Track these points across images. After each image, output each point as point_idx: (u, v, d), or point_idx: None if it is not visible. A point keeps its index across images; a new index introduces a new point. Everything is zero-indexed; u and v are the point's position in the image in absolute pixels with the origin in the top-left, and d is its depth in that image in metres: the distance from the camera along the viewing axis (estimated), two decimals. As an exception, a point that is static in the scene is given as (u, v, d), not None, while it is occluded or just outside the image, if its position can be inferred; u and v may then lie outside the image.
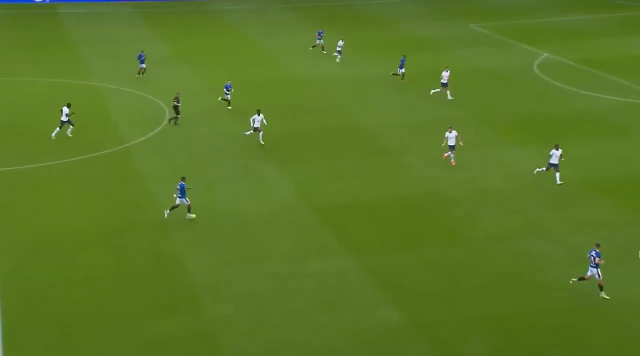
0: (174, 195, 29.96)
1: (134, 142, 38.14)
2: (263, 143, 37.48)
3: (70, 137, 38.14)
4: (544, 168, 33.60)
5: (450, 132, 35.20)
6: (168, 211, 30.03)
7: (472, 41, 60.13)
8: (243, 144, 37.99)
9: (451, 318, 24.00)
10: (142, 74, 48.76)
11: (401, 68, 47.87)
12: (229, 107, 42.88)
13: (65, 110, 38.07)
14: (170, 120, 40.68)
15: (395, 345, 22.77)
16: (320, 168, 35.47)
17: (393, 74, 48.70)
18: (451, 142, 35.20)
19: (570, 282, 25.39)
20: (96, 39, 59.83)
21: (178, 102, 40.37)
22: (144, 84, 47.64)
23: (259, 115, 37.75)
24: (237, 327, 23.55)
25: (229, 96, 43.06)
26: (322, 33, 56.74)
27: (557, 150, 33.09)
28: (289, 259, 27.49)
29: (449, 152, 35.31)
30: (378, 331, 23.32)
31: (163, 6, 75.09)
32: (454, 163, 35.09)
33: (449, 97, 44.56)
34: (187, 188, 30.07)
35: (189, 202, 29.89)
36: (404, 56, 48.69)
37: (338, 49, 54.16)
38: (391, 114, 42.84)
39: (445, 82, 44.72)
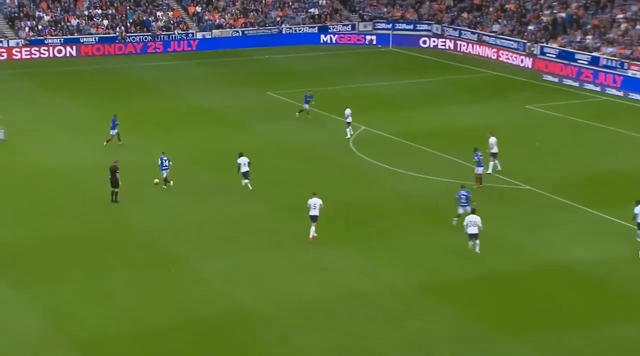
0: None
1: None
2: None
3: None
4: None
5: None
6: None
7: (273, 113, 60.08)
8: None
9: None
10: None
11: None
12: None
13: None
14: (114, 197, 41.83)
15: None
16: (81, 288, 33.01)
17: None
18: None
19: None
20: None
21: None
22: None
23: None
24: None
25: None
26: (311, 97, 57.64)
27: None
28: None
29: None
30: None
31: None
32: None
33: (499, 168, 46.77)
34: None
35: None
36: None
37: (347, 120, 53.97)
38: (180, 211, 41.18)
39: (495, 151, 46.52)
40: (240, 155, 44.35)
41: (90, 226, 39.01)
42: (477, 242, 35.78)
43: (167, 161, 44.59)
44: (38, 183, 45.07)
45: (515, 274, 34.57)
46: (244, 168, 44.18)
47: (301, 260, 35.58)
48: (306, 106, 58.10)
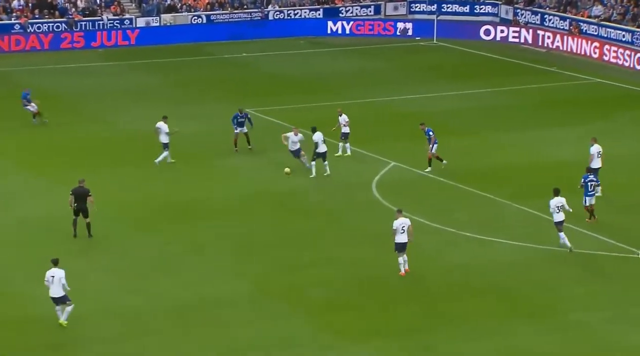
0: None
1: None
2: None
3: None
4: None
5: None
6: None
7: (253, 141, 60.09)
8: None
9: None
10: None
11: None
12: None
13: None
14: (77, 231, 44.46)
15: None
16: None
17: None
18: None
19: None
20: None
21: None
22: None
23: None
24: None
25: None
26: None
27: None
28: None
29: None
30: None
31: None
32: None
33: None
34: None
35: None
36: None
37: (345, 130, 57.33)
38: (107, 294, 41.21)
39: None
40: (314, 130, 52.46)
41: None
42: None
43: None
44: None
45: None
46: (322, 148, 52.06)
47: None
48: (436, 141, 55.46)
